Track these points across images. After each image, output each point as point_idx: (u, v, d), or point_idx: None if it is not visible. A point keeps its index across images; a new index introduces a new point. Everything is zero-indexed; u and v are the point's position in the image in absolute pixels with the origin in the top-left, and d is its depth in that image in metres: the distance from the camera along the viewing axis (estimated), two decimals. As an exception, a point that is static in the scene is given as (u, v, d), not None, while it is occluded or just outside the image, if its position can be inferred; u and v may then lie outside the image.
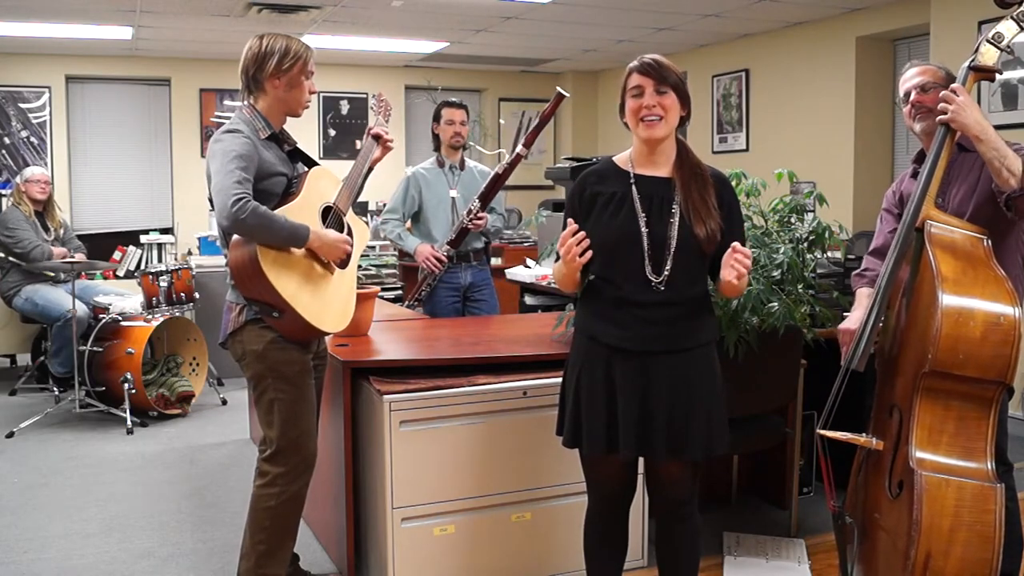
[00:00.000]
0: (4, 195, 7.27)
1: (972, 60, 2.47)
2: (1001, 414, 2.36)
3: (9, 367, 6.58)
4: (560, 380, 2.51)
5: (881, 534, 2.43)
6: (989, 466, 2.25)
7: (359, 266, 3.30)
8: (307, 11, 6.38)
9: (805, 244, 3.27)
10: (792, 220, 3.33)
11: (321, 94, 8.73)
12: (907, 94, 2.73)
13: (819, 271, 3.60)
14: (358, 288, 3.05)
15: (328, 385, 3.01)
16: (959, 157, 2.62)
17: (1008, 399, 2.48)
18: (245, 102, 2.77)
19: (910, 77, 2.73)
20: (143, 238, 7.50)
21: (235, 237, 2.58)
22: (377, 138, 2.93)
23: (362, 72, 8.99)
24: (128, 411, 5.01)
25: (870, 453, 2.51)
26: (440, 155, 4.40)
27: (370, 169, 2.94)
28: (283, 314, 2.60)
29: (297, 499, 2.74)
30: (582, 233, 2.26)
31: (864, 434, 2.50)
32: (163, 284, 5.36)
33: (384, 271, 6.26)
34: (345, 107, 9.04)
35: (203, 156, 5.61)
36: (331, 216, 2.79)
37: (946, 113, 2.41)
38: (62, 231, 5.93)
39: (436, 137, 4.42)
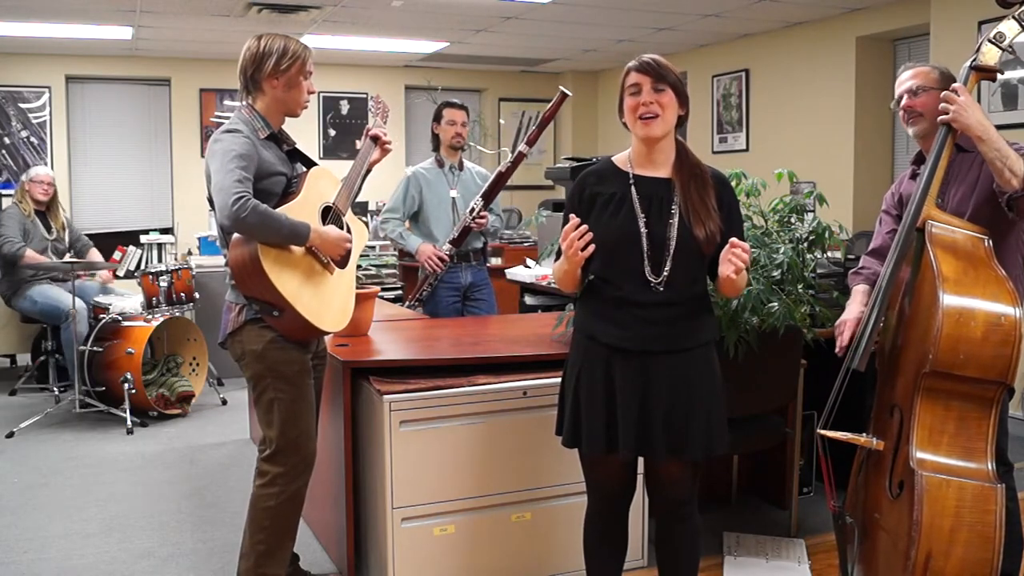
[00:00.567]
0: (4, 195, 7.27)
1: (973, 60, 2.46)
2: (1001, 414, 2.36)
3: (9, 367, 6.58)
4: (560, 380, 2.51)
5: (881, 534, 2.42)
6: (990, 466, 2.25)
7: (359, 266, 3.30)
8: (307, 11, 6.38)
9: (805, 244, 3.27)
10: (792, 220, 3.33)
11: (321, 94, 8.73)
12: (900, 98, 2.73)
13: (819, 271, 3.60)
14: (358, 288, 3.05)
15: (328, 385, 3.01)
16: (957, 157, 2.62)
17: (1008, 399, 2.47)
18: (244, 102, 2.77)
19: (902, 81, 2.73)
20: (143, 238, 7.51)
21: (235, 236, 2.58)
22: (375, 139, 2.93)
23: (362, 72, 8.99)
24: (128, 411, 5.01)
25: (870, 453, 2.51)
26: (440, 155, 4.40)
27: (368, 170, 2.94)
28: (283, 313, 2.60)
29: (297, 499, 2.74)
30: (584, 227, 2.25)
31: (864, 434, 2.50)
32: (163, 284, 5.35)
33: (384, 271, 6.25)
34: (345, 107, 9.05)
35: (203, 156, 5.60)
36: (330, 216, 2.79)
37: (947, 113, 2.41)
38: (65, 232, 5.90)
39: (436, 137, 4.41)
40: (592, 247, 2.26)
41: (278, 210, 2.60)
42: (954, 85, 2.44)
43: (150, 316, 5.27)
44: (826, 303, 3.41)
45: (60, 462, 4.45)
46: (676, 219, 2.33)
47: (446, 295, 4.28)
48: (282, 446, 2.69)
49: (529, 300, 5.11)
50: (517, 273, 5.29)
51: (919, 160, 2.76)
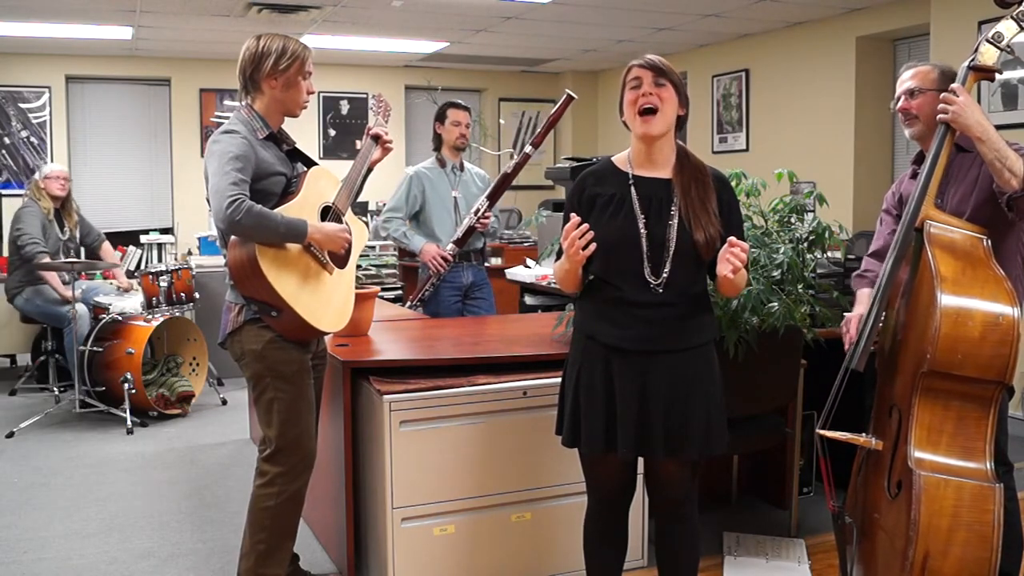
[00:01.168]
0: (4, 195, 7.26)
1: (972, 60, 2.46)
2: (1001, 414, 2.36)
3: (9, 367, 6.58)
4: (560, 380, 2.51)
5: (880, 534, 2.43)
6: (988, 466, 2.25)
7: (359, 266, 3.30)
8: (307, 11, 6.38)
9: (805, 244, 3.27)
10: (792, 220, 3.33)
11: (321, 94, 8.74)
12: (898, 99, 2.73)
13: (819, 271, 3.60)
14: (358, 288, 3.05)
15: (328, 385, 3.01)
16: (957, 157, 2.61)
17: (1008, 399, 2.47)
18: (243, 102, 2.78)
19: (902, 81, 2.72)
20: (143, 238, 7.50)
21: (233, 237, 2.58)
22: (376, 138, 2.93)
23: (362, 72, 8.99)
24: (128, 411, 5.01)
25: (870, 453, 2.51)
26: (441, 155, 4.40)
27: (369, 170, 2.94)
28: (281, 313, 2.60)
29: (297, 499, 2.74)
30: (585, 226, 2.25)
31: (864, 434, 2.50)
32: (163, 284, 5.35)
33: (384, 271, 6.25)
34: (345, 107, 9.05)
35: (203, 156, 5.61)
36: (330, 216, 2.78)
37: (946, 113, 2.41)
38: (77, 230, 5.82)
39: (438, 137, 4.41)
40: (593, 246, 2.26)
41: (276, 210, 2.60)
42: (953, 85, 2.44)
43: (150, 316, 5.27)
44: (826, 303, 3.41)
45: (60, 462, 4.45)
46: (676, 220, 2.32)
47: (448, 295, 4.29)
48: (282, 446, 2.69)
49: (529, 300, 5.11)
50: (517, 273, 5.29)
51: (919, 159, 2.75)
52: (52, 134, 8.12)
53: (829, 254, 3.83)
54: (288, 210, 2.63)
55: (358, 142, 3.00)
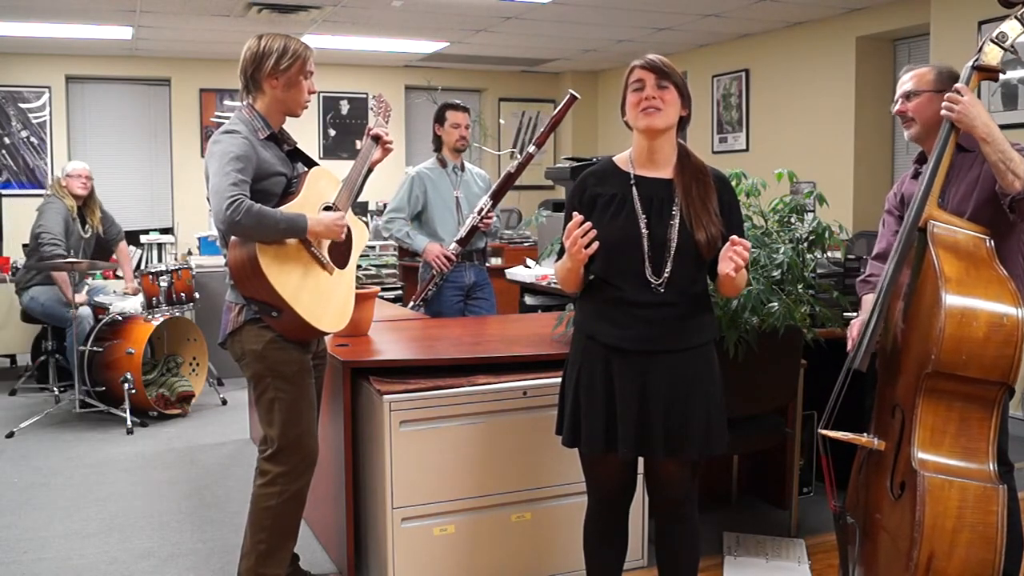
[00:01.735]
0: (4, 195, 7.25)
1: (976, 60, 2.45)
2: (1002, 414, 2.36)
3: (9, 367, 6.58)
4: (560, 380, 2.51)
5: (882, 535, 2.42)
6: (991, 467, 2.25)
7: (359, 266, 3.30)
8: (307, 11, 6.38)
9: (805, 244, 3.27)
10: (792, 220, 3.33)
11: (321, 94, 8.73)
12: (895, 102, 2.72)
13: (819, 271, 3.60)
14: (358, 288, 3.05)
15: (328, 385, 3.01)
16: (958, 157, 2.60)
17: (1009, 399, 2.47)
18: (244, 102, 2.77)
19: (901, 83, 2.72)
20: (143, 238, 7.50)
21: (234, 237, 2.58)
22: (377, 139, 2.93)
23: (362, 72, 8.99)
24: (128, 411, 5.01)
25: (871, 453, 2.51)
26: (442, 155, 4.39)
27: (369, 170, 2.94)
28: (282, 313, 2.60)
29: (298, 498, 2.74)
30: (588, 224, 2.25)
31: (865, 434, 2.49)
32: (163, 284, 5.35)
33: (384, 271, 6.25)
34: (345, 107, 9.04)
35: (203, 156, 5.61)
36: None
37: (952, 112, 2.40)
38: (100, 230, 5.71)
39: (438, 139, 4.40)
40: (596, 245, 2.26)
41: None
42: (957, 85, 2.43)
43: (150, 316, 5.26)
44: (826, 303, 3.41)
45: (60, 462, 4.45)
46: (677, 220, 2.32)
47: (450, 294, 4.29)
48: (283, 446, 2.69)
49: (529, 300, 5.11)
50: (517, 273, 5.29)
51: (921, 159, 2.75)
52: (52, 134, 8.12)
53: (829, 254, 3.83)
54: (288, 210, 2.63)
55: (358, 142, 3.00)
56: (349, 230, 2.83)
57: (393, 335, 3.54)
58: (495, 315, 4.40)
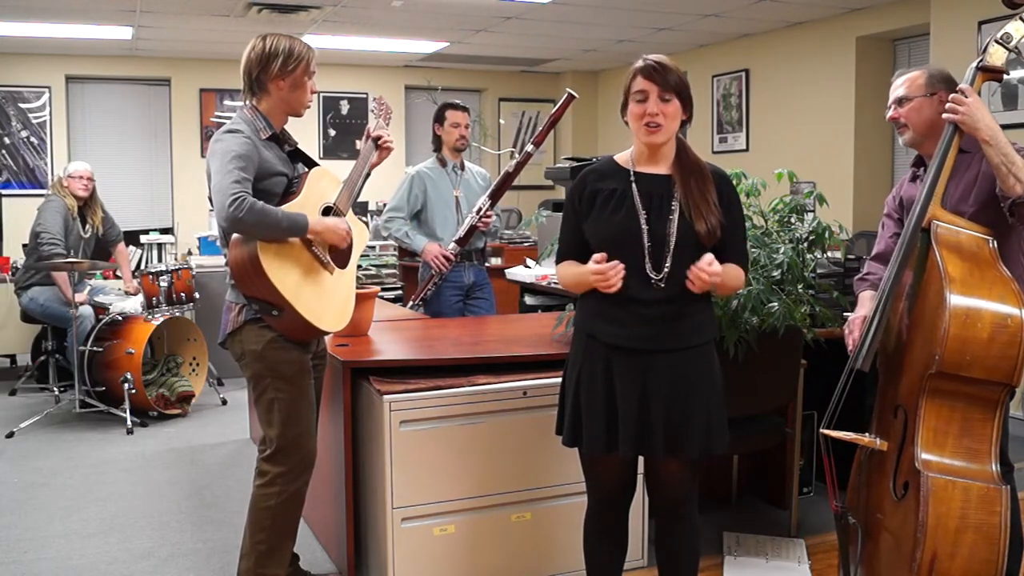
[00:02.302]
0: (4, 195, 7.25)
1: (980, 60, 2.45)
2: (1003, 414, 2.36)
3: (9, 367, 6.57)
4: (560, 380, 2.51)
5: (884, 535, 2.42)
6: (994, 468, 2.25)
7: (359, 266, 3.30)
8: (307, 11, 6.38)
9: (805, 244, 3.27)
10: (792, 220, 3.33)
11: (321, 94, 8.73)
12: (888, 108, 2.72)
13: (819, 271, 3.60)
14: (358, 288, 3.05)
15: (328, 385, 3.01)
16: (957, 158, 2.60)
17: (1009, 399, 2.47)
18: (247, 102, 2.77)
19: (893, 89, 2.70)
20: (143, 238, 7.50)
21: (235, 236, 2.59)
22: (377, 141, 2.93)
23: (362, 72, 8.99)
24: (128, 411, 5.01)
25: (872, 453, 2.51)
26: (442, 155, 4.39)
27: (369, 172, 2.94)
28: (282, 312, 2.60)
29: (297, 498, 2.74)
30: (621, 266, 2.25)
31: (867, 434, 2.49)
32: (163, 284, 5.35)
33: (384, 271, 6.26)
34: (345, 107, 9.05)
35: (203, 156, 5.59)
36: (331, 216, 2.78)
37: (955, 114, 2.39)
38: (100, 230, 5.68)
39: (437, 138, 4.40)
40: (621, 283, 2.26)
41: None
42: (961, 86, 2.43)
43: (150, 316, 5.26)
44: (826, 303, 3.41)
45: (60, 462, 4.45)
46: (676, 215, 2.33)
47: (450, 294, 4.29)
48: (282, 446, 2.69)
49: (529, 300, 5.11)
50: (517, 273, 5.29)
51: (919, 163, 2.75)
52: (52, 134, 8.12)
53: (829, 254, 3.83)
54: (289, 210, 2.63)
55: (358, 142, 3.00)
56: (350, 230, 2.83)
57: (393, 335, 3.54)
58: (495, 315, 4.40)
